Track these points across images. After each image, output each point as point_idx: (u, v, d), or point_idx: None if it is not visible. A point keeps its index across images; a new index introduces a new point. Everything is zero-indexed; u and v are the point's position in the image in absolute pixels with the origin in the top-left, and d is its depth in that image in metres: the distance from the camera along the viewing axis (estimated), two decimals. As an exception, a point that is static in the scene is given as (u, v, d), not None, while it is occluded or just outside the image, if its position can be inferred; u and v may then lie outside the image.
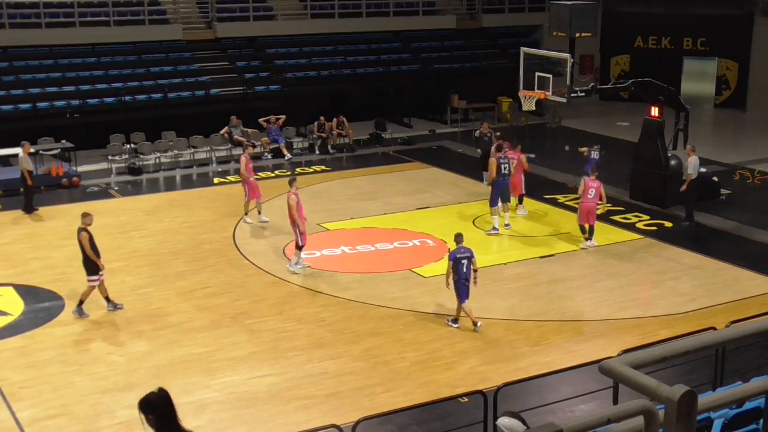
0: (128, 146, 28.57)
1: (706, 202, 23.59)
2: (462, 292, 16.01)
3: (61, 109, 29.51)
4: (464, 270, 15.96)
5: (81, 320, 16.57)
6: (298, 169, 28.04)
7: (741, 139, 33.27)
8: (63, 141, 27.39)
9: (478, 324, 16.07)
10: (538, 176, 26.75)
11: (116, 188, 26.04)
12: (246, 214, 22.34)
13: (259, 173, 27.33)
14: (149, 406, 6.91)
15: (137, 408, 6.88)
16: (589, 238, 20.64)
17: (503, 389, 11.66)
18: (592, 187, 20.37)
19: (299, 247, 19.02)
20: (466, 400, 12.74)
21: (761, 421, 4.73)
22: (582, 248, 20.53)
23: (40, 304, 17.40)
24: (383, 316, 16.76)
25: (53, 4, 31.94)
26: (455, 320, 16.28)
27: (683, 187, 22.15)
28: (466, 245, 16.26)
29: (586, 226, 20.62)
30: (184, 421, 13.42)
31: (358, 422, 10.80)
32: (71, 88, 30.34)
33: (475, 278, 16.17)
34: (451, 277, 16.03)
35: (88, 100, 30.12)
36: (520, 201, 23.38)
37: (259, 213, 22.44)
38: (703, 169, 25.99)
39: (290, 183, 19.31)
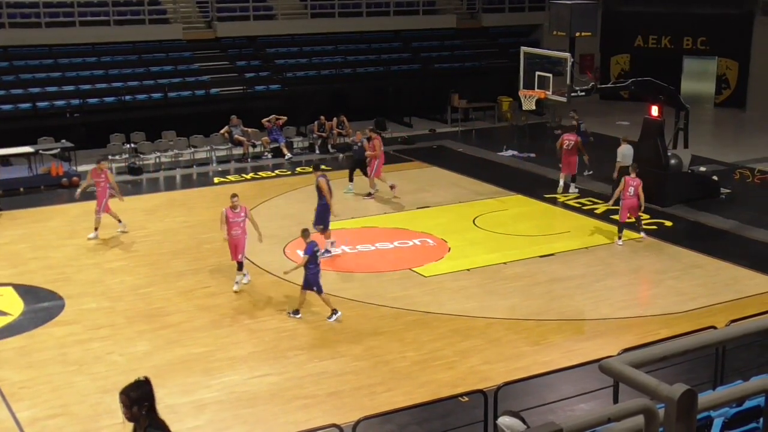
0: (128, 146, 28.57)
1: (706, 201, 23.63)
2: (316, 283, 16.45)
3: (61, 108, 29.50)
4: (318, 262, 16.56)
5: (82, 320, 16.56)
6: (298, 169, 28.06)
7: (741, 138, 33.27)
8: (63, 141, 27.36)
9: (337, 314, 16.46)
10: (538, 175, 26.81)
11: (116, 188, 26.02)
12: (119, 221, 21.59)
13: (260, 173, 27.44)
14: (145, 396, 6.88)
15: (128, 400, 6.83)
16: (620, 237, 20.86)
17: (504, 388, 11.65)
18: (631, 185, 20.50)
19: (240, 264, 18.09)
20: (467, 399, 12.74)
21: (761, 419, 4.73)
22: (618, 245, 20.71)
23: (40, 304, 17.37)
24: (384, 316, 16.75)
25: (53, 4, 31.92)
26: (296, 311, 16.66)
27: (615, 174, 23.53)
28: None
29: (628, 221, 20.82)
30: (185, 421, 13.48)
31: (358, 422, 10.80)
32: (71, 88, 30.34)
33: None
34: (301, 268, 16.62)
35: (88, 99, 30.11)
36: (573, 180, 24.95)
37: (95, 229, 21.20)
38: (702, 168, 26.11)
39: (231, 198, 18.09)
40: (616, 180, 22.82)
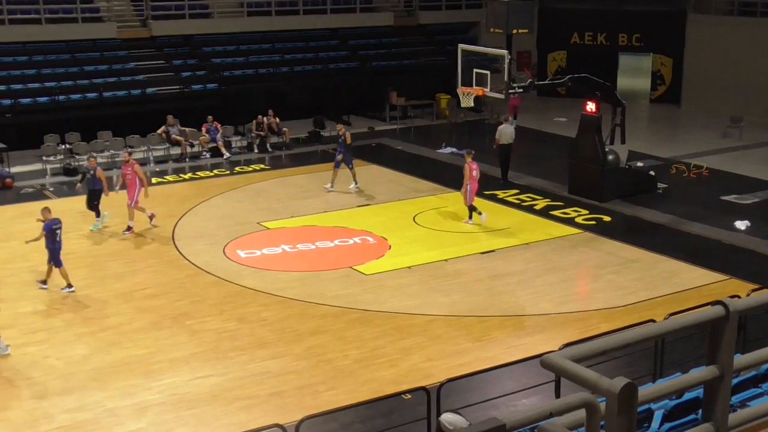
0: (63, 146, 28.09)
1: (643, 196, 23.94)
2: (57, 258, 17.68)
3: (-8, 109, 28.91)
4: (58, 239, 17.64)
5: (17, 324, 16.24)
6: (237, 168, 27.85)
7: (676, 134, 33.76)
8: (-6, 142, 26.84)
9: (72, 288, 17.72)
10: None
11: (51, 189, 25.59)
12: None
13: (198, 173, 27.18)
14: None
15: None
16: (480, 213, 22.14)
17: (446, 385, 11.66)
18: (475, 169, 22.02)
19: None
20: (410, 396, 12.73)
21: (700, 411, 4.79)
22: (478, 224, 21.89)
23: (-26, 309, 16.99)
24: (325, 315, 16.70)
25: (-21, 1, 31.17)
26: (44, 282, 17.87)
27: (495, 146, 25.99)
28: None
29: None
30: (126, 424, 13.27)
31: (301, 421, 10.74)
32: (2, 88, 29.66)
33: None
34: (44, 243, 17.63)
35: (20, 99, 29.50)
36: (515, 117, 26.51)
37: None
38: (639, 164, 26.46)
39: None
40: (497, 153, 25.83)
